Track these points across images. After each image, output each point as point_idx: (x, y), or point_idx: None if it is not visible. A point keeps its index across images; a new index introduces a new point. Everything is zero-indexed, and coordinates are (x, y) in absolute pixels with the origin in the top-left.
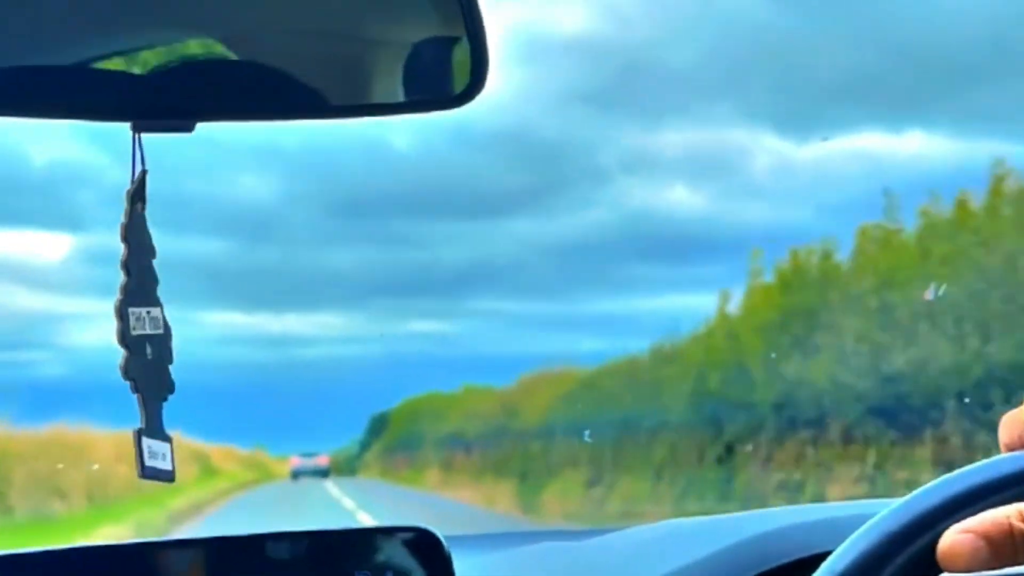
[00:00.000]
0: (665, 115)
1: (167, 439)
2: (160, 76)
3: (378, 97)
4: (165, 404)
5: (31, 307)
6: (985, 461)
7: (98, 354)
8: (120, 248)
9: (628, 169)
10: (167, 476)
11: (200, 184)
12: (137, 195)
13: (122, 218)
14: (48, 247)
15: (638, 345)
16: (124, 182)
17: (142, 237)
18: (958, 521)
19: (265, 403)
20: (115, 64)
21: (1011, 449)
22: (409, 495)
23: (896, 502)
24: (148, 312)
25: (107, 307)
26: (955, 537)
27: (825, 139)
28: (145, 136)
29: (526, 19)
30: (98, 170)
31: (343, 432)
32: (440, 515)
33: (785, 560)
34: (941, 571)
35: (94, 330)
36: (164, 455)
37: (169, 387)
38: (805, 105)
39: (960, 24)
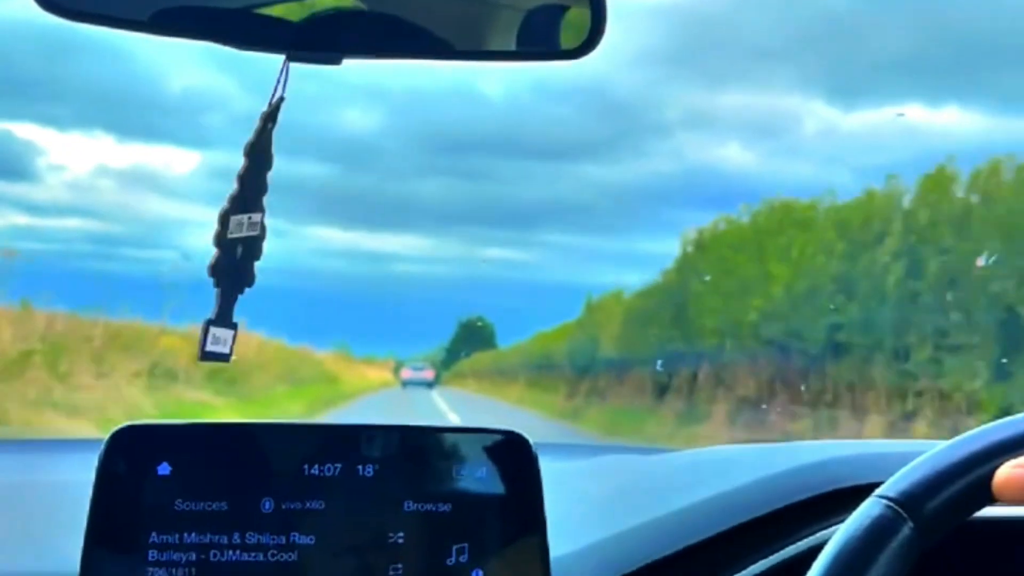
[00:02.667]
0: (727, 79)
1: (232, 326)
2: (314, 14)
3: (502, 45)
4: (240, 297)
5: (162, 211)
6: None
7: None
8: (241, 161)
9: (688, 125)
10: (224, 358)
11: (315, 115)
12: (270, 117)
13: (251, 135)
14: (180, 161)
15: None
16: (246, 109)
17: (264, 153)
18: (1013, 459)
19: (354, 310)
20: (275, 3)
21: None
22: (494, 404)
23: (954, 439)
24: (249, 218)
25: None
26: (1012, 470)
27: (901, 115)
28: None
29: None
30: (225, 97)
31: (425, 340)
32: (522, 425)
33: (835, 487)
34: (995, 500)
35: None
36: (226, 340)
37: (249, 281)
38: (854, 76)
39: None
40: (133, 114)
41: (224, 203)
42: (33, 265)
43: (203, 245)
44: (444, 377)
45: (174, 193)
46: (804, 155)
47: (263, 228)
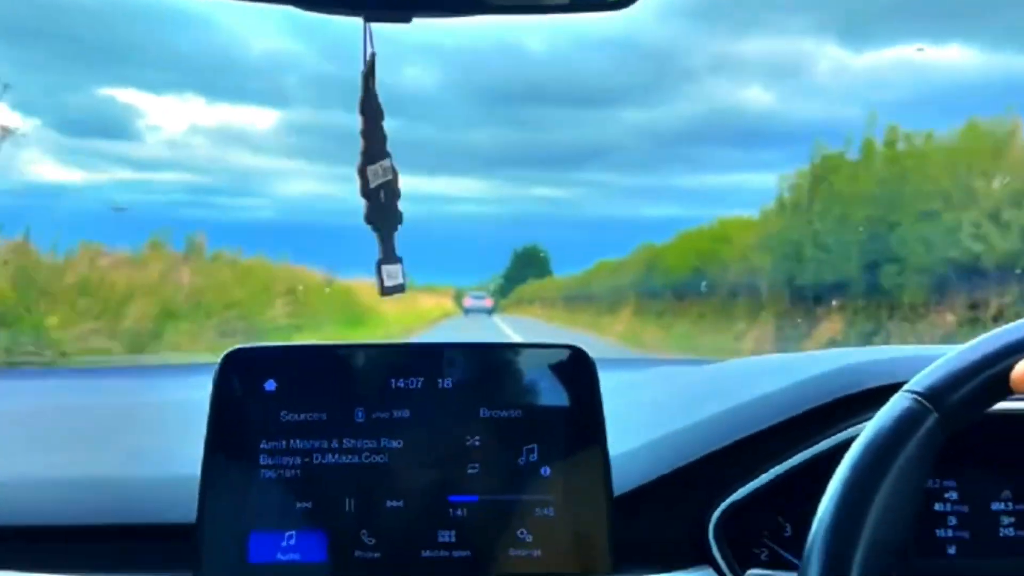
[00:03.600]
0: (749, 26)
1: (398, 260)
2: None
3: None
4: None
5: (249, 164)
6: None
7: (298, 201)
8: (358, 119)
9: (714, 70)
10: (401, 289)
11: (380, 74)
12: (369, 74)
13: (360, 94)
14: (261, 118)
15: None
16: (320, 70)
17: (374, 106)
18: None
19: (415, 243)
20: None
21: None
22: (550, 328)
23: (975, 340)
24: (381, 165)
25: (304, 165)
26: None
27: (920, 49)
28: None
29: None
30: (299, 57)
31: (482, 270)
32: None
33: (861, 388)
34: (1012, 393)
35: (295, 183)
36: (397, 274)
37: (398, 219)
38: (863, 19)
39: None
40: (219, 77)
41: (358, 159)
42: (139, 215)
43: (286, 192)
44: (503, 304)
45: (258, 148)
46: (818, 94)
47: (394, 171)
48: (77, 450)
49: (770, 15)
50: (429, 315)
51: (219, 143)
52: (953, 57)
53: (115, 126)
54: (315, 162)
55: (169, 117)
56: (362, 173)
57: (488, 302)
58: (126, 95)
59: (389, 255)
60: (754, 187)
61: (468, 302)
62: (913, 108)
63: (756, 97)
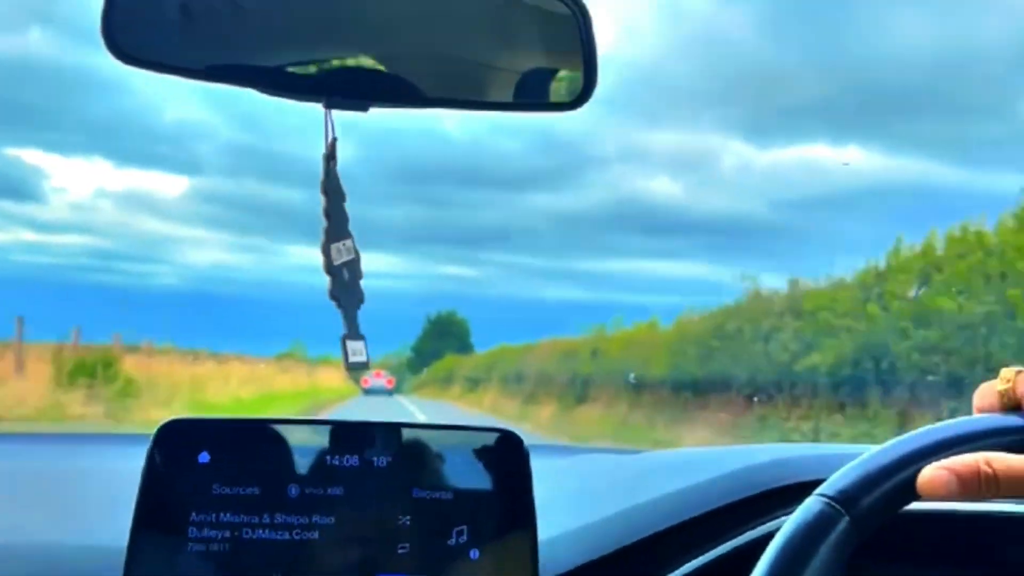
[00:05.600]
0: (660, 119)
1: (361, 337)
2: (345, 70)
3: (503, 97)
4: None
5: (155, 230)
6: (962, 418)
7: (205, 270)
8: (321, 199)
9: (623, 159)
10: (364, 366)
11: (292, 146)
12: (331, 157)
13: (321, 176)
14: (170, 185)
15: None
16: (233, 140)
17: (336, 187)
18: (937, 460)
19: (311, 313)
20: (312, 59)
21: (982, 412)
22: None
23: (885, 443)
24: (344, 244)
25: (211, 235)
26: (934, 471)
27: (846, 164)
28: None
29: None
30: (212, 128)
31: (387, 341)
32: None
33: (782, 484)
34: (920, 497)
35: (203, 252)
36: (361, 351)
37: (360, 298)
38: (769, 118)
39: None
40: (129, 142)
41: (321, 236)
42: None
43: (192, 260)
44: (413, 385)
45: (166, 214)
46: (723, 187)
47: (356, 252)
48: (10, 516)
49: (680, 109)
50: (322, 395)
51: (126, 207)
52: (852, 158)
53: (18, 186)
54: (222, 231)
55: (75, 179)
56: (325, 251)
57: (389, 382)
58: (31, 156)
59: (353, 331)
60: (657, 275)
61: (367, 382)
62: (815, 205)
63: (663, 187)
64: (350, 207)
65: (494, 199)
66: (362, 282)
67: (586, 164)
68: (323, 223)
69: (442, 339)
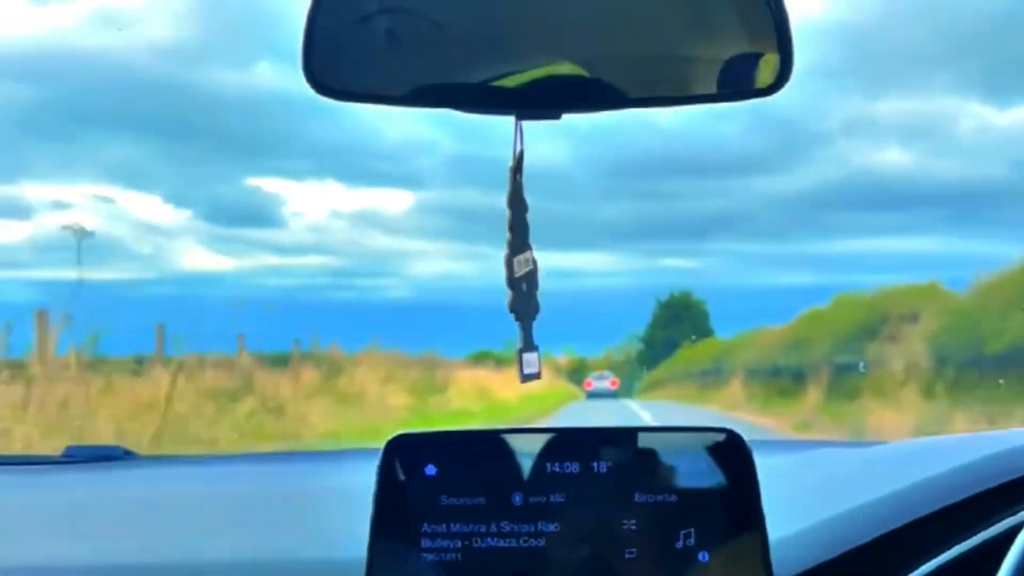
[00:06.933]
0: (887, 85)
1: (535, 349)
2: (536, 79)
3: (703, 89)
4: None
5: (384, 246)
6: None
7: (433, 280)
8: (506, 212)
9: (848, 133)
10: (537, 377)
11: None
12: (517, 170)
13: (508, 188)
14: (397, 201)
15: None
16: (454, 153)
17: (520, 200)
18: None
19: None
20: (502, 73)
21: None
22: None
23: None
24: (524, 256)
25: (437, 246)
26: None
27: None
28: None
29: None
30: (433, 143)
31: (609, 334)
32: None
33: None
34: None
35: (430, 263)
36: (534, 363)
37: (537, 309)
38: (1006, 75)
39: None
40: (356, 162)
41: (504, 249)
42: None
43: (420, 271)
44: (643, 382)
45: (393, 228)
46: (960, 153)
47: (535, 261)
48: (255, 535)
49: (909, 74)
50: (546, 401)
51: (357, 226)
52: None
53: (260, 214)
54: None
55: (310, 203)
56: (508, 264)
57: (613, 383)
58: (269, 184)
59: (528, 344)
60: (892, 252)
61: (591, 384)
62: None
63: (893, 158)
64: (568, 208)
65: (714, 186)
66: (538, 293)
67: (809, 141)
68: (507, 236)
69: (677, 325)
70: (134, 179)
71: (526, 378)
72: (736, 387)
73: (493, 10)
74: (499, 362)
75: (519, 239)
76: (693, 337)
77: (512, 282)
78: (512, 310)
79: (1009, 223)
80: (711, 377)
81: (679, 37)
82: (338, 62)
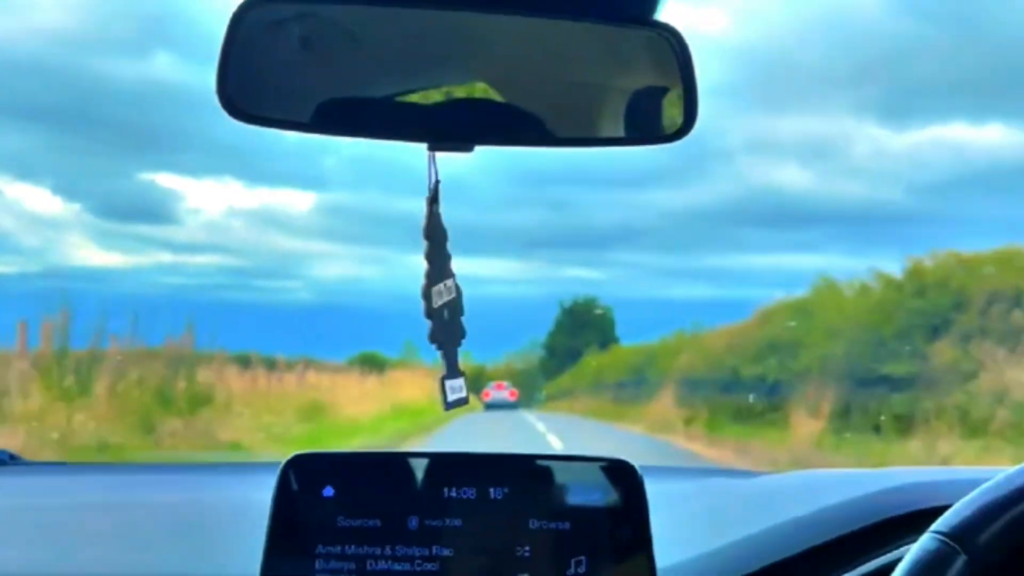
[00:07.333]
0: (787, 104)
1: (461, 374)
2: (448, 110)
3: (609, 132)
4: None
5: (285, 247)
6: None
7: (335, 283)
8: (423, 243)
9: (748, 150)
10: (463, 402)
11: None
12: (433, 199)
13: (424, 220)
14: (298, 200)
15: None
16: (357, 153)
17: (438, 229)
18: None
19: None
20: (415, 99)
21: None
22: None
23: (1000, 475)
24: (445, 284)
25: (339, 248)
26: None
27: None
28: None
29: None
30: (336, 143)
31: (508, 340)
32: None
33: (907, 510)
34: None
35: (332, 265)
36: (460, 387)
37: (461, 335)
38: (903, 99)
39: None
40: (257, 160)
41: (422, 281)
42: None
43: (322, 274)
44: (545, 393)
45: (295, 230)
46: (856, 174)
47: (457, 288)
48: (136, 547)
49: (808, 94)
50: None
51: (257, 226)
52: (992, 137)
53: (155, 210)
54: (350, 244)
55: (208, 200)
56: (426, 295)
57: (512, 394)
58: (165, 179)
59: (452, 370)
60: (790, 268)
61: (488, 395)
62: (953, 188)
63: (791, 177)
64: (471, 215)
65: (616, 198)
66: (463, 319)
67: (709, 157)
68: (424, 267)
69: (581, 332)
70: (21, 170)
71: (450, 405)
72: (666, 403)
73: (409, 39)
74: (382, 366)
75: (437, 270)
76: (596, 346)
77: (431, 312)
78: (432, 340)
79: (901, 241)
80: (629, 390)
81: (593, 78)
82: (253, 87)
